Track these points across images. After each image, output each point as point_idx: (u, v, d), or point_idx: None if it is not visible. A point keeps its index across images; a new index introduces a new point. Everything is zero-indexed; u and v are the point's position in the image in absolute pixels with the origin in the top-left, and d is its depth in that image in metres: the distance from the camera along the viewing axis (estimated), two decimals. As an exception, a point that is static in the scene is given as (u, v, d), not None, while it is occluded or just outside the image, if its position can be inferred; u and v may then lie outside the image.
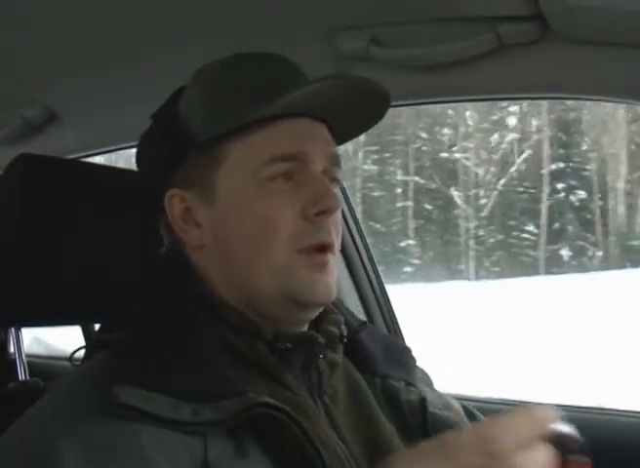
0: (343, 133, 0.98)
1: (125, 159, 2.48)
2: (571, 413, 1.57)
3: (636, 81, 1.13)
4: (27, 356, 1.69)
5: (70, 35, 1.39)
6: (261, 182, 0.87)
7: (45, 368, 2.00)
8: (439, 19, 1.17)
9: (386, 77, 1.31)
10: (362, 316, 1.88)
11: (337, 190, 0.93)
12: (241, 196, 0.88)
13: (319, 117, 0.92)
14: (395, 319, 1.92)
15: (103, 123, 1.76)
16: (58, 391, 0.84)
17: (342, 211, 1.82)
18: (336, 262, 0.91)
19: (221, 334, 0.85)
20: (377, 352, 1.02)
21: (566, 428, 0.63)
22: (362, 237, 1.90)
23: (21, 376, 1.60)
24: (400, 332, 1.93)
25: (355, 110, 0.95)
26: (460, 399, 1.21)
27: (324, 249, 0.88)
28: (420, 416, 0.97)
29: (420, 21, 1.19)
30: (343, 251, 1.87)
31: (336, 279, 0.91)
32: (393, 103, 1.45)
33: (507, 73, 1.24)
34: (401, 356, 1.06)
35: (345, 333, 0.96)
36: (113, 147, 1.91)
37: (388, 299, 1.93)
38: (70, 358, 1.03)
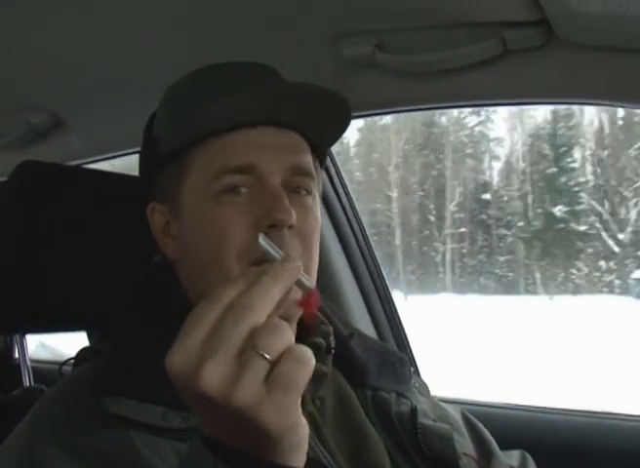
0: (319, 139, 0.95)
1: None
2: (574, 418, 1.58)
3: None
4: (33, 361, 1.69)
5: (75, 42, 1.39)
6: (216, 195, 0.85)
7: (51, 373, 2.00)
8: (444, 24, 1.17)
9: (391, 82, 1.32)
10: (370, 326, 1.87)
11: (307, 200, 0.90)
12: (198, 210, 0.87)
13: (285, 124, 0.89)
14: (402, 326, 1.92)
15: (108, 129, 1.76)
16: (46, 402, 0.85)
17: (347, 215, 1.82)
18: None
19: None
20: (369, 363, 1.01)
21: (304, 279, 0.63)
22: (368, 244, 1.90)
23: (26, 382, 1.60)
24: (407, 341, 1.92)
25: (316, 120, 0.90)
26: (461, 403, 1.21)
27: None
28: (411, 428, 0.97)
29: (426, 27, 1.19)
30: (349, 259, 1.86)
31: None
32: (398, 109, 1.46)
33: (513, 78, 1.24)
34: (395, 366, 1.05)
35: (333, 344, 0.95)
36: (117, 153, 1.92)
37: (395, 307, 1.92)
38: (60, 369, 1.03)
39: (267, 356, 0.54)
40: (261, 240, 0.66)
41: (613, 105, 1.25)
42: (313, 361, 0.56)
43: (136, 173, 1.03)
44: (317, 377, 0.91)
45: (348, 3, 1.19)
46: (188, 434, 0.77)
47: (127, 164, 2.11)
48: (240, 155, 0.86)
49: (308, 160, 0.92)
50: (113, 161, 2.01)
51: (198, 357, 0.55)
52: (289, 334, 0.56)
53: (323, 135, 0.95)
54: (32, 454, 0.76)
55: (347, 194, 1.84)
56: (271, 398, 0.54)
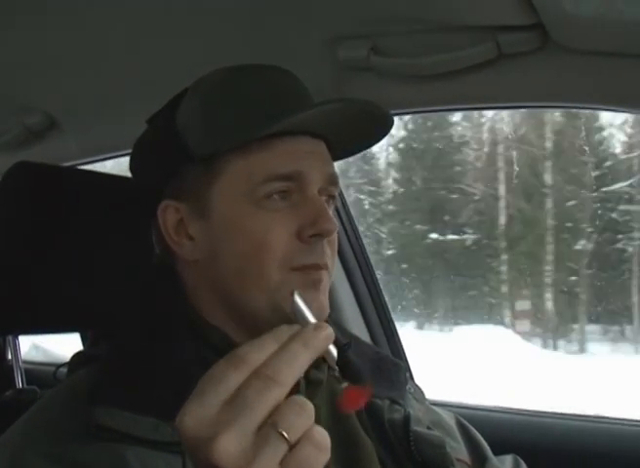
0: (342, 150, 0.98)
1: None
2: (567, 421, 1.59)
3: (635, 90, 1.13)
4: (26, 363, 1.68)
5: (71, 43, 1.39)
6: (257, 200, 0.86)
7: (43, 375, 1.99)
8: (439, 28, 1.17)
9: (386, 86, 1.32)
10: (364, 331, 1.87)
11: (331, 208, 0.92)
12: (236, 213, 0.86)
13: (319, 135, 0.91)
14: (396, 332, 1.92)
15: (103, 130, 1.75)
16: (37, 409, 0.84)
17: (343, 223, 1.82)
18: (329, 281, 0.90)
19: (203, 354, 0.84)
20: (364, 369, 1.00)
21: (332, 349, 0.59)
22: (362, 248, 1.90)
23: (19, 384, 1.59)
24: (401, 347, 1.92)
25: (357, 132, 0.94)
26: (453, 406, 1.21)
27: (318, 268, 0.87)
28: (403, 435, 0.96)
29: (421, 31, 1.19)
30: (344, 264, 1.86)
31: (326, 296, 0.90)
32: (393, 112, 1.46)
33: (507, 82, 1.24)
34: (390, 372, 1.04)
35: None
36: (113, 154, 1.91)
37: (389, 312, 1.92)
38: (55, 373, 1.01)
39: (287, 437, 0.52)
40: (297, 298, 0.61)
41: (608, 110, 1.26)
42: (329, 446, 0.54)
43: (128, 174, 1.02)
44: (313, 385, 0.91)
45: (344, 7, 1.19)
46: (180, 447, 0.76)
47: (123, 166, 2.10)
48: (287, 163, 0.86)
49: (335, 169, 0.94)
50: (106, 163, 2.01)
51: (215, 424, 0.52)
52: (311, 415, 0.54)
53: (348, 148, 0.99)
54: (21, 464, 0.75)
55: (342, 197, 1.84)
56: None
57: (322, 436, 0.53)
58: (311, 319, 0.60)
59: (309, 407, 0.54)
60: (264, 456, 0.51)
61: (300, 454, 0.52)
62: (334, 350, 0.59)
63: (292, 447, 0.52)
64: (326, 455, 0.53)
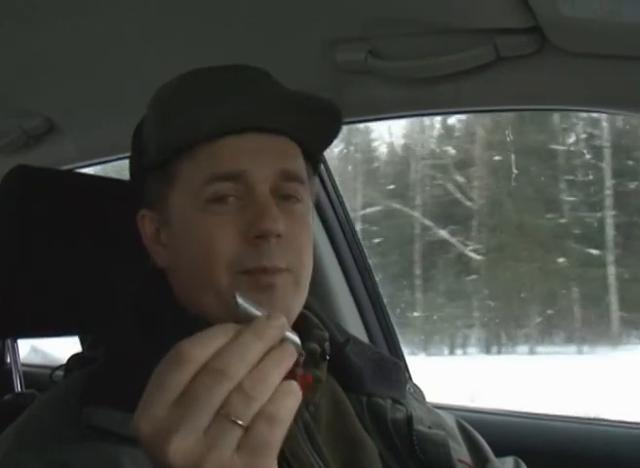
0: (311, 145, 0.94)
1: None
2: (568, 424, 1.59)
3: (633, 92, 1.14)
4: (25, 366, 1.68)
5: (70, 47, 1.39)
6: (205, 204, 0.84)
7: (42, 378, 1.99)
8: (437, 31, 1.17)
9: (385, 89, 1.32)
10: (363, 333, 1.87)
11: (297, 207, 0.89)
12: (187, 218, 0.86)
13: (274, 130, 0.88)
14: (395, 333, 1.91)
15: (102, 133, 1.76)
16: (33, 411, 0.84)
17: (340, 221, 1.81)
18: (291, 283, 0.87)
19: None
20: (364, 369, 1.00)
21: (292, 336, 0.56)
22: (361, 250, 1.89)
23: (17, 388, 1.59)
24: (399, 347, 1.92)
25: (312, 125, 0.91)
26: (454, 409, 1.20)
27: (266, 271, 0.84)
28: (406, 434, 0.96)
29: (419, 34, 1.19)
30: (342, 266, 1.86)
31: (287, 300, 0.86)
32: (391, 115, 1.47)
33: (505, 85, 1.24)
34: (390, 372, 1.04)
35: (329, 350, 0.94)
36: (111, 158, 1.91)
37: (387, 314, 1.92)
38: (51, 375, 1.02)
39: (240, 422, 0.50)
40: (239, 299, 0.57)
41: (605, 112, 1.26)
42: (289, 416, 0.52)
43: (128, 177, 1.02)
44: (312, 383, 0.91)
45: (342, 10, 1.19)
46: None
47: (119, 168, 2.11)
48: (227, 162, 0.85)
49: (298, 165, 0.91)
50: (105, 165, 2.01)
51: (165, 425, 0.51)
52: (262, 395, 0.52)
53: (313, 139, 0.94)
54: (13, 463, 0.75)
55: (340, 200, 1.84)
56: (244, 463, 0.51)
57: (276, 408, 0.51)
58: (260, 314, 0.57)
59: (259, 390, 0.52)
60: (219, 447, 0.50)
61: (252, 435, 0.51)
62: (296, 338, 0.57)
63: (247, 429, 0.51)
64: (282, 428, 0.52)
